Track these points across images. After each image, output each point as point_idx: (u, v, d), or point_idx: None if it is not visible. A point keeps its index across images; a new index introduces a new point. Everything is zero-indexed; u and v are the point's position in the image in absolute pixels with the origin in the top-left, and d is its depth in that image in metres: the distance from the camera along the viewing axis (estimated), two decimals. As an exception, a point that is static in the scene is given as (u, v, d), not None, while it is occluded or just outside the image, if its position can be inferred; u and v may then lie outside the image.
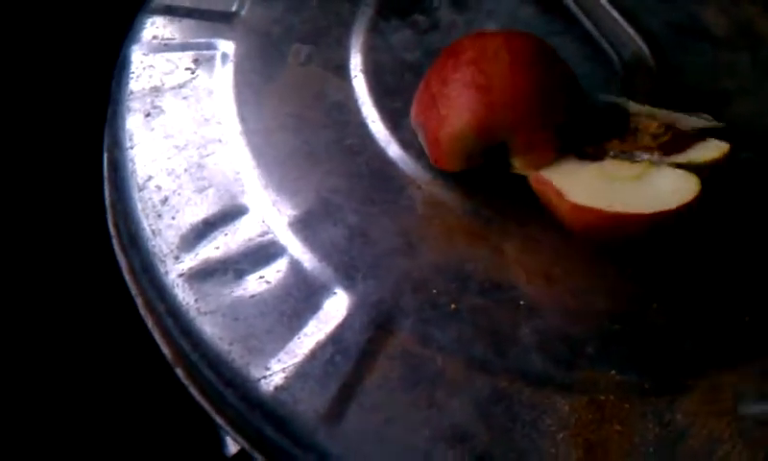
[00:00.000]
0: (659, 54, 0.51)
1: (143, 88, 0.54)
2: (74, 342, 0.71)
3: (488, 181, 0.48)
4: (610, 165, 0.43)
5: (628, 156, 0.44)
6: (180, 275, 0.46)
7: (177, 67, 0.54)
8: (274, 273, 0.46)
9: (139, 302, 0.49)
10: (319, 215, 0.47)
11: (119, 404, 0.70)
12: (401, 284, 0.45)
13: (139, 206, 0.49)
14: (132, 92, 0.54)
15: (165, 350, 0.47)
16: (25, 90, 0.77)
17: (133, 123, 0.52)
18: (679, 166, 0.43)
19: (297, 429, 0.41)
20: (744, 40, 0.55)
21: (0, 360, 0.67)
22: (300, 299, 0.45)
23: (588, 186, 0.42)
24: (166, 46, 0.56)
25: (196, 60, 0.55)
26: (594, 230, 0.42)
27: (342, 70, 0.54)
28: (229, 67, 0.54)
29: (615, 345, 0.43)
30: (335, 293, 0.45)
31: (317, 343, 0.43)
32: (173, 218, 0.48)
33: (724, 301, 0.43)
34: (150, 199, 0.49)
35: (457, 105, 0.45)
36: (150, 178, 0.50)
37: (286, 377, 0.42)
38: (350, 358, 0.43)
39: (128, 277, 0.50)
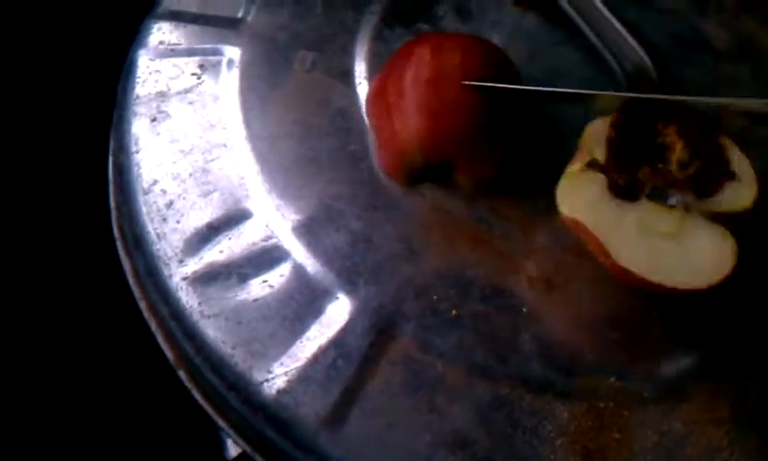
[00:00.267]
0: (660, 65, 0.51)
1: (149, 93, 0.54)
2: (77, 344, 0.71)
3: (490, 187, 0.48)
4: (647, 213, 0.43)
5: (662, 197, 0.43)
6: (184, 278, 0.47)
7: (183, 72, 0.55)
8: (277, 277, 0.46)
9: (143, 305, 0.49)
10: (322, 221, 0.48)
11: (121, 406, 0.70)
12: (403, 290, 0.45)
13: (144, 209, 0.49)
14: (138, 97, 0.54)
15: (168, 352, 0.47)
16: (32, 93, 0.78)
17: (139, 127, 0.53)
18: (714, 216, 0.42)
19: (298, 433, 0.42)
20: (745, 53, 0.55)
21: (4, 361, 0.67)
22: (302, 303, 0.45)
23: (629, 244, 0.42)
24: (172, 51, 0.56)
25: (202, 66, 0.55)
26: (633, 283, 0.42)
27: (346, 77, 0.54)
28: (235, 73, 0.54)
29: (615, 352, 0.43)
30: (337, 298, 0.45)
31: (319, 347, 0.44)
32: (177, 222, 0.49)
33: (723, 310, 0.43)
34: (155, 203, 0.49)
35: (410, 125, 0.47)
36: (155, 182, 0.50)
37: (288, 381, 0.43)
38: (352, 363, 0.43)
39: (131, 280, 0.50)
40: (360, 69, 0.54)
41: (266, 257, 0.47)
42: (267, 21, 0.57)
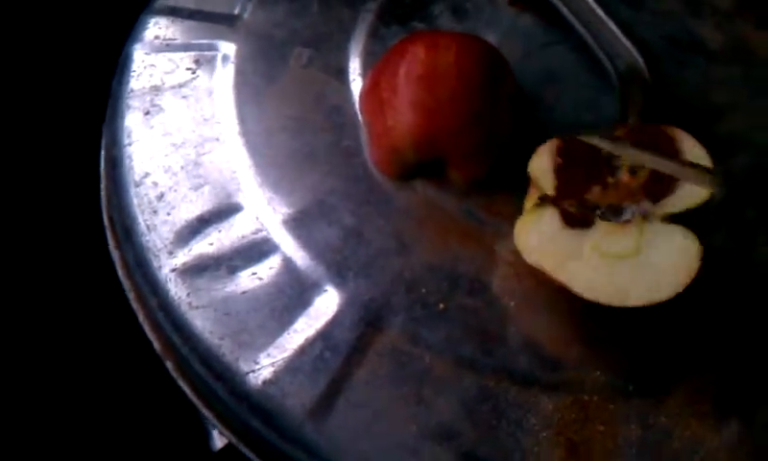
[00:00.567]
0: (653, 66, 0.51)
1: (143, 87, 0.54)
2: (65, 334, 0.72)
3: (482, 183, 0.48)
4: (603, 237, 0.42)
5: (617, 214, 0.43)
6: (173, 269, 0.47)
7: (177, 67, 0.55)
8: (266, 270, 0.46)
9: (131, 296, 0.49)
10: (313, 215, 0.48)
11: (109, 398, 0.70)
12: (393, 283, 0.45)
13: (135, 201, 0.50)
14: (132, 90, 0.54)
15: (156, 343, 0.47)
16: (28, 86, 0.78)
17: (132, 120, 0.53)
18: (673, 218, 0.42)
19: (284, 423, 0.42)
20: (737, 56, 0.55)
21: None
22: (291, 295, 0.45)
23: (591, 277, 0.41)
24: (168, 46, 0.56)
25: (197, 61, 0.55)
26: None
27: (341, 74, 0.54)
28: (230, 68, 0.55)
29: (601, 347, 0.43)
30: (326, 290, 0.45)
31: (306, 339, 0.44)
32: (168, 214, 0.49)
33: (708, 303, 0.43)
34: (146, 195, 0.50)
35: (402, 121, 0.47)
36: (147, 174, 0.50)
37: (275, 372, 0.43)
38: (339, 354, 0.43)
39: (121, 271, 0.50)
40: (355, 66, 0.54)
41: (256, 250, 0.47)
42: (263, 18, 0.57)
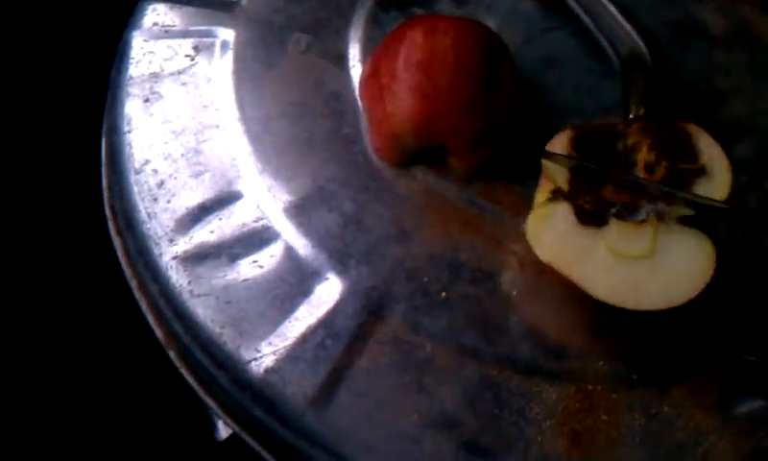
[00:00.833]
0: (655, 51, 0.51)
1: (142, 74, 0.54)
2: (68, 324, 0.71)
3: (483, 170, 0.48)
4: (618, 237, 0.41)
5: (631, 213, 0.42)
6: (174, 257, 0.47)
7: (176, 54, 0.55)
8: (267, 258, 0.46)
9: (133, 284, 0.49)
10: (314, 202, 0.48)
11: (113, 389, 0.70)
12: (394, 271, 0.45)
13: (135, 189, 0.49)
14: (131, 77, 0.54)
15: (158, 332, 0.47)
16: (28, 74, 0.78)
17: (132, 108, 0.52)
18: (687, 219, 0.42)
19: (286, 412, 0.42)
20: (741, 41, 0.55)
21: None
22: (292, 283, 0.45)
23: (605, 277, 0.41)
24: (167, 33, 0.56)
25: (196, 48, 0.55)
26: None
27: (341, 60, 0.54)
28: (229, 55, 0.54)
29: (604, 336, 0.43)
30: (328, 278, 0.45)
31: (308, 327, 0.43)
32: (168, 202, 0.48)
33: (713, 295, 0.43)
34: (146, 182, 0.49)
35: (402, 107, 0.47)
36: (147, 162, 0.50)
37: (276, 360, 0.43)
38: (341, 343, 0.43)
39: (123, 259, 0.50)
40: (354, 52, 0.54)
41: (256, 238, 0.47)
42: (262, 4, 0.57)
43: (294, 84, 0.53)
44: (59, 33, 0.79)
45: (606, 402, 0.41)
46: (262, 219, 0.47)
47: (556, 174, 0.44)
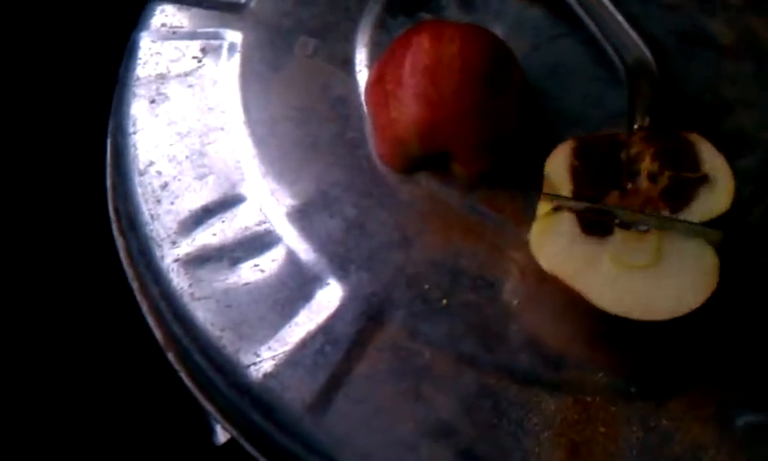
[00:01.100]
0: (662, 60, 0.51)
1: (149, 75, 0.54)
2: (68, 325, 0.72)
3: (486, 178, 0.48)
4: (622, 246, 0.41)
5: (635, 223, 0.42)
6: (176, 260, 0.47)
7: (183, 55, 0.55)
8: (268, 262, 0.46)
9: (135, 285, 0.49)
10: (317, 206, 0.48)
11: (112, 392, 0.70)
12: (395, 278, 0.45)
13: (139, 190, 0.49)
14: (138, 78, 0.54)
15: (157, 333, 0.47)
16: (35, 74, 0.78)
17: (138, 109, 0.53)
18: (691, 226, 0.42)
19: (283, 417, 0.42)
20: (748, 51, 0.54)
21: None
22: (293, 288, 0.45)
23: (610, 288, 0.40)
24: (174, 34, 0.56)
25: (203, 49, 0.55)
26: None
27: (347, 65, 0.54)
28: (236, 58, 0.54)
29: (604, 347, 0.43)
30: (328, 284, 0.45)
31: (307, 332, 0.43)
32: (172, 204, 0.48)
33: (712, 307, 0.43)
34: (150, 184, 0.49)
35: (406, 114, 0.47)
36: (151, 163, 0.50)
37: (275, 365, 0.43)
38: (340, 349, 0.43)
39: (125, 260, 0.50)
40: (361, 57, 0.54)
41: (258, 242, 0.47)
42: (270, 7, 0.57)
43: (300, 87, 0.53)
44: (67, 32, 0.79)
45: (604, 414, 0.41)
46: (264, 223, 0.47)
47: (559, 184, 0.44)
